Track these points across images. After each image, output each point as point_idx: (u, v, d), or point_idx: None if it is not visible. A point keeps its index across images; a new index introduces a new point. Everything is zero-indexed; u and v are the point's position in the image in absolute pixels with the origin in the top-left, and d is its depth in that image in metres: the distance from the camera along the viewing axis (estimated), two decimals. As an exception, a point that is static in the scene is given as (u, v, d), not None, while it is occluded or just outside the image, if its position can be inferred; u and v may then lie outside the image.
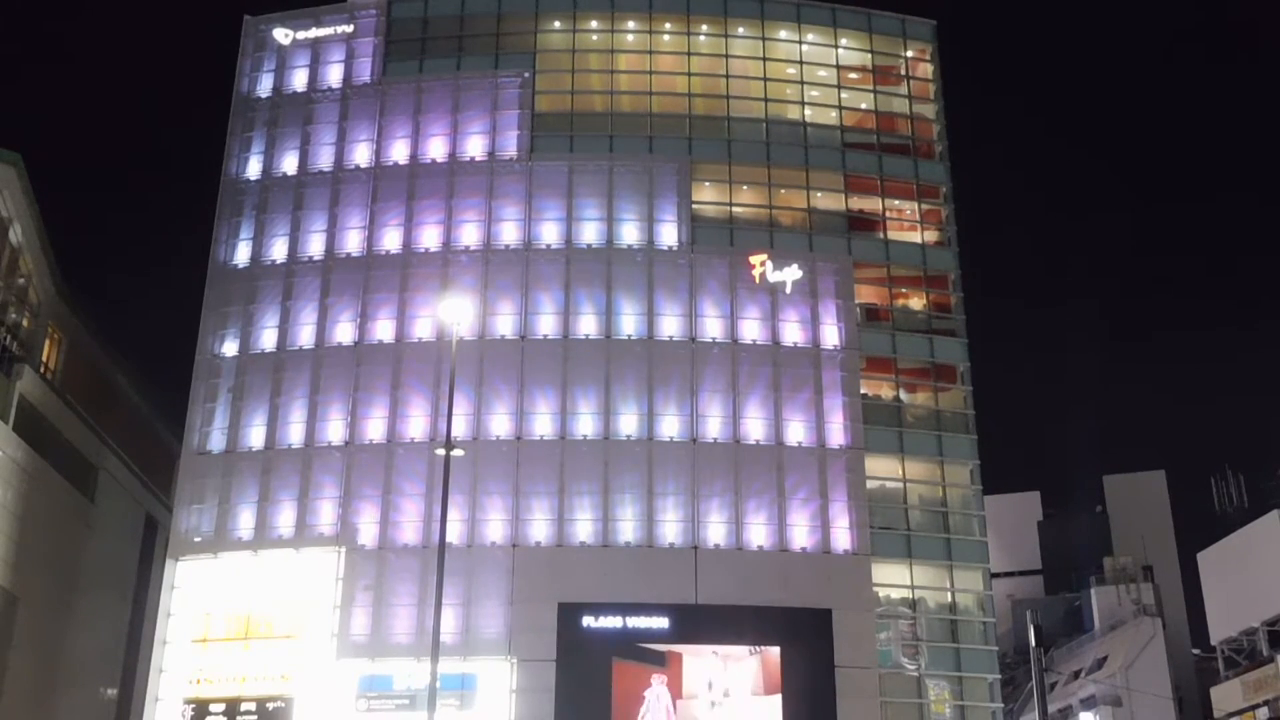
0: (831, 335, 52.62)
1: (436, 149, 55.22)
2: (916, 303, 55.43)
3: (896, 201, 56.59)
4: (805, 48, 57.92)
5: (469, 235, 53.67)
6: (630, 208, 53.99)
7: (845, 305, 53.04)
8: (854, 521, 49.66)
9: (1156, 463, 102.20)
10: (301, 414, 51.35)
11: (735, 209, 54.65)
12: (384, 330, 52.29)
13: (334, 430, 51.00)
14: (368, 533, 49.22)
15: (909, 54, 59.04)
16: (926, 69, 59.09)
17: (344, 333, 52.50)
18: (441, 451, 35.26)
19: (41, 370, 52.44)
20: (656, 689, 46.70)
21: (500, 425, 50.31)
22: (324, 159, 55.64)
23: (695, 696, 47.01)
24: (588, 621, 47.26)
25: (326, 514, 49.73)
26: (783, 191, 55.45)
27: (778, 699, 46.53)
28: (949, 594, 50.57)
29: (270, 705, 46.55)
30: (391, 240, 53.81)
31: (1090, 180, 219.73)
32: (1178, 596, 75.71)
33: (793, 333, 52.46)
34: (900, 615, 49.63)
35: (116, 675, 59.92)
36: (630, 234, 53.66)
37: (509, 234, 53.60)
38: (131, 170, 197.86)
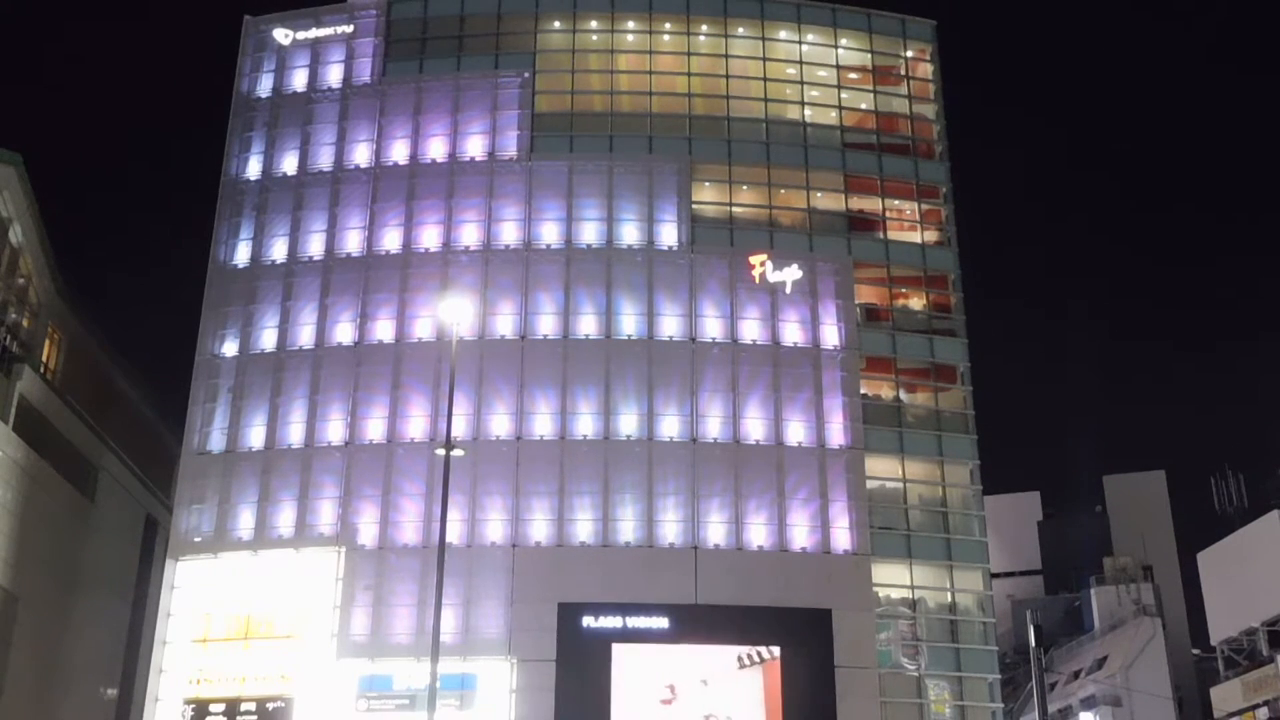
0: (831, 335, 52.61)
1: (436, 149, 55.21)
2: (916, 303, 55.41)
3: (896, 201, 56.58)
4: (805, 48, 57.91)
5: (469, 235, 53.66)
6: (630, 208, 53.97)
7: (845, 305, 53.02)
8: (854, 521, 49.65)
9: (1156, 463, 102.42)
10: (301, 414, 51.33)
11: (735, 209, 54.64)
12: (384, 330, 52.28)
13: (334, 430, 50.98)
14: (368, 533, 49.21)
15: (909, 54, 59.03)
16: (926, 69, 59.07)
17: (344, 333, 52.48)
18: (441, 451, 35.24)
19: (41, 370, 52.46)
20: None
21: (500, 425, 50.30)
22: (324, 159, 55.62)
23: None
24: (588, 621, 47.26)
25: (326, 514, 49.72)
26: (783, 191, 55.44)
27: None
28: (949, 594, 50.56)
29: (270, 705, 46.54)
30: (391, 240, 53.80)
31: (1091, 180, 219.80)
32: (1178, 596, 75.73)
33: (793, 333, 52.45)
34: (900, 615, 49.61)
35: (116, 675, 59.93)
36: (630, 234, 53.65)
37: (509, 234, 53.58)
38: (131, 170, 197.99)
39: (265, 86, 57.50)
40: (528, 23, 57.20)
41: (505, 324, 52.08)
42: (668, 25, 57.45)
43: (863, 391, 52.05)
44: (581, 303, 52.30)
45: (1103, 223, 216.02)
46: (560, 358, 51.23)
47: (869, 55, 58.61)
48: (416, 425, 50.66)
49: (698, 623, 47.23)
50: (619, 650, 47.03)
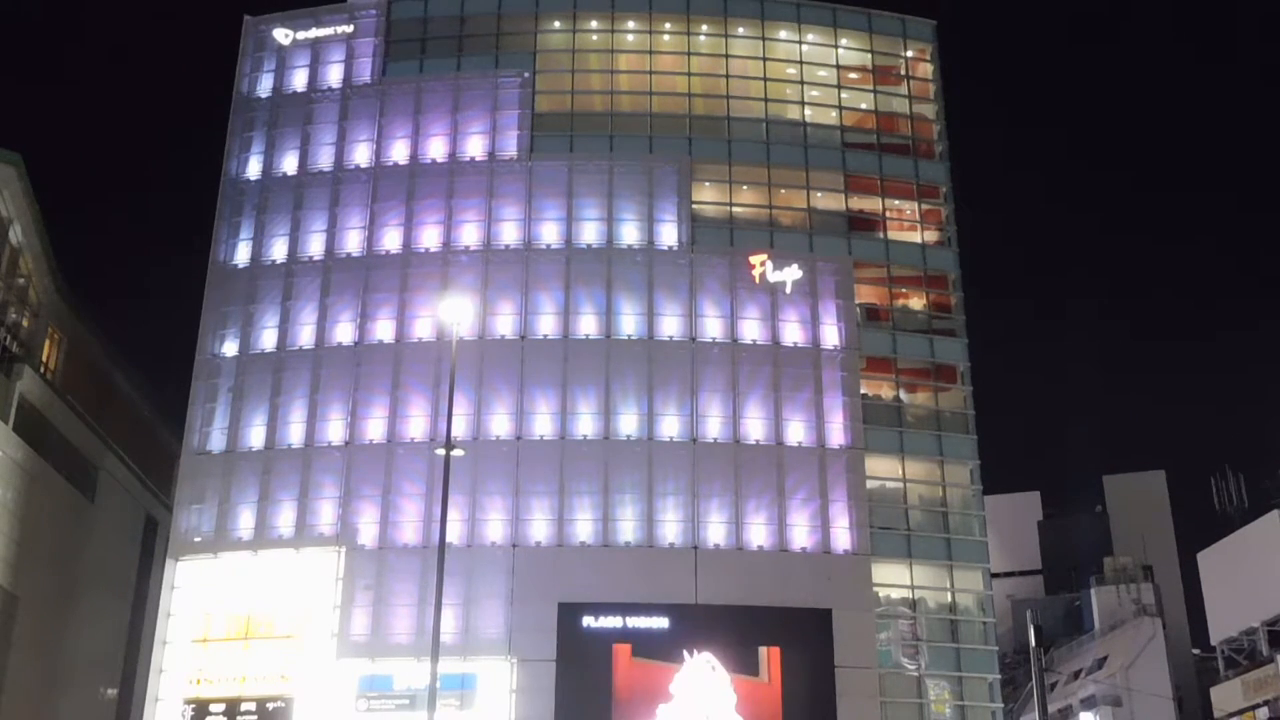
0: (831, 335, 52.61)
1: (436, 149, 55.20)
2: (916, 303, 55.41)
3: (896, 201, 56.57)
4: (805, 48, 57.90)
5: (469, 235, 53.66)
6: (630, 208, 53.97)
7: (845, 305, 53.02)
8: (854, 521, 49.65)
9: (1156, 463, 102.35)
10: (301, 414, 51.33)
11: (735, 209, 54.63)
12: (384, 330, 52.28)
13: (334, 430, 50.98)
14: (368, 533, 49.21)
15: (909, 54, 59.01)
16: (926, 69, 59.07)
17: (344, 333, 52.48)
18: (441, 451, 35.24)
19: (41, 370, 52.47)
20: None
21: (500, 425, 50.29)
22: (324, 159, 55.61)
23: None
24: (588, 621, 47.25)
25: (326, 514, 49.71)
26: (783, 191, 55.43)
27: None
28: (949, 594, 50.56)
29: (270, 705, 46.53)
30: (391, 240, 53.79)
31: (1092, 178, 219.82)
32: (1178, 596, 75.75)
33: (793, 333, 52.45)
34: (900, 615, 49.61)
35: (116, 675, 59.96)
36: (630, 234, 53.65)
37: (509, 234, 53.58)
38: (132, 170, 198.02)
39: (265, 86, 57.50)
40: (528, 23, 57.19)
41: (505, 324, 52.07)
42: (668, 25, 57.44)
43: (863, 391, 52.05)
44: (581, 303, 52.29)
45: (1103, 221, 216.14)
46: (560, 358, 51.22)
47: (869, 55, 58.59)
48: (416, 425, 50.66)
49: (698, 623, 47.21)
50: (619, 650, 47.04)
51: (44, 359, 53.44)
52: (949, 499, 52.18)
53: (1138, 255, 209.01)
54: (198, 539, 49.99)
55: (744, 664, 47.18)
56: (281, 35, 57.78)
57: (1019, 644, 66.14)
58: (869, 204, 56.00)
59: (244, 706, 46.68)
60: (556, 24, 57.46)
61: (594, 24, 57.46)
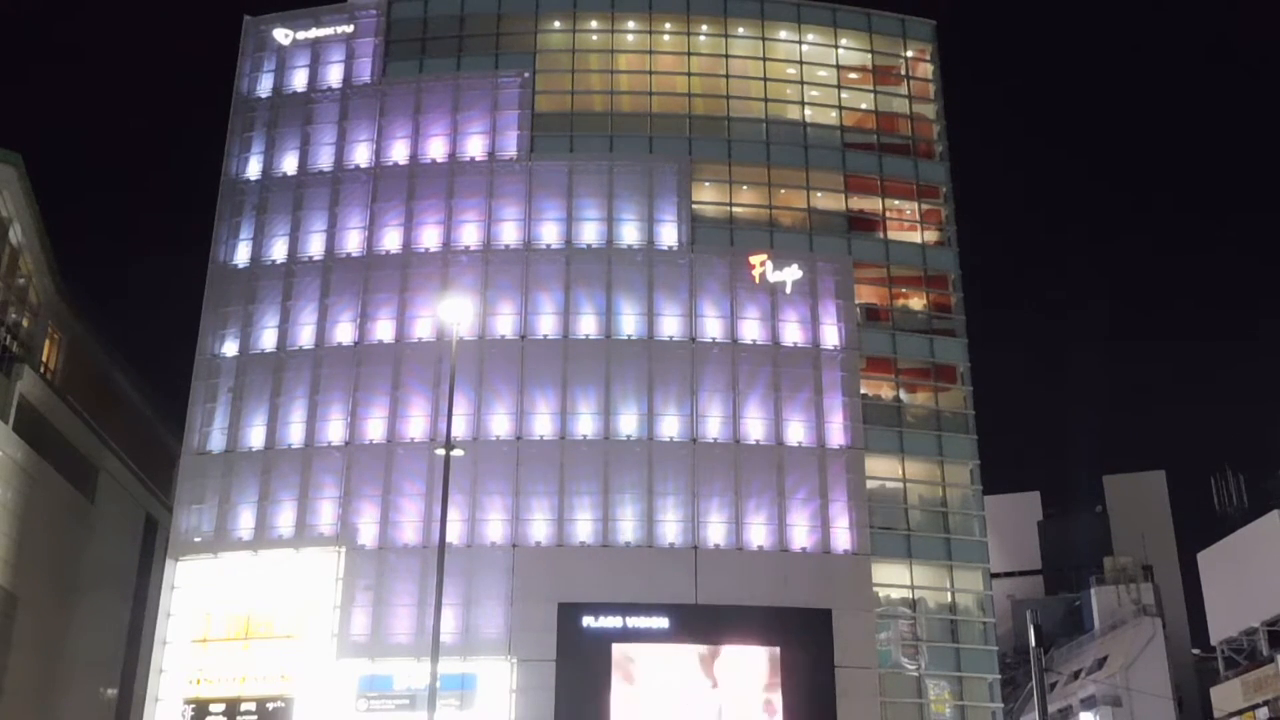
0: (831, 335, 52.61)
1: (436, 149, 55.20)
2: (916, 303, 55.41)
3: (896, 201, 56.58)
4: (805, 48, 57.91)
5: (469, 235, 53.66)
6: (630, 208, 53.97)
7: (845, 305, 53.02)
8: (854, 521, 49.65)
9: (1156, 463, 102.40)
10: (301, 414, 51.32)
11: (735, 209, 54.63)
12: (384, 330, 52.28)
13: (334, 430, 50.98)
14: (368, 533, 49.21)
15: (909, 54, 59.02)
16: (926, 69, 59.07)
17: (344, 333, 52.49)
18: (441, 451, 35.26)
19: (41, 370, 52.47)
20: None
21: (500, 425, 50.29)
22: (324, 159, 55.61)
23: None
24: (588, 621, 47.26)
25: (326, 514, 49.71)
26: (783, 191, 55.43)
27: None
28: (949, 594, 50.56)
29: (270, 705, 46.54)
30: (391, 240, 53.80)
31: (1093, 179, 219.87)
32: (1178, 596, 75.78)
33: (792, 333, 52.45)
34: (900, 615, 49.60)
35: (116, 675, 59.96)
36: (630, 234, 53.65)
37: (509, 234, 53.58)
38: (132, 170, 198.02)
39: (265, 86, 57.49)
40: (528, 23, 57.18)
41: (505, 324, 52.07)
42: (668, 25, 57.43)
43: (863, 391, 52.04)
44: (581, 303, 52.29)
45: (1103, 222, 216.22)
46: (560, 358, 51.21)
47: (869, 55, 58.59)
48: (416, 425, 50.66)
49: (698, 623, 47.24)
50: (619, 650, 47.04)
51: (44, 359, 53.44)
52: (949, 499, 52.18)
53: (1138, 255, 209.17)
54: (198, 539, 49.99)
55: (745, 665, 47.14)
56: (281, 35, 57.79)
57: (1019, 644, 66.11)
58: (869, 204, 56.00)
59: (244, 706, 46.67)
60: (556, 24, 57.46)
61: (594, 24, 57.46)
